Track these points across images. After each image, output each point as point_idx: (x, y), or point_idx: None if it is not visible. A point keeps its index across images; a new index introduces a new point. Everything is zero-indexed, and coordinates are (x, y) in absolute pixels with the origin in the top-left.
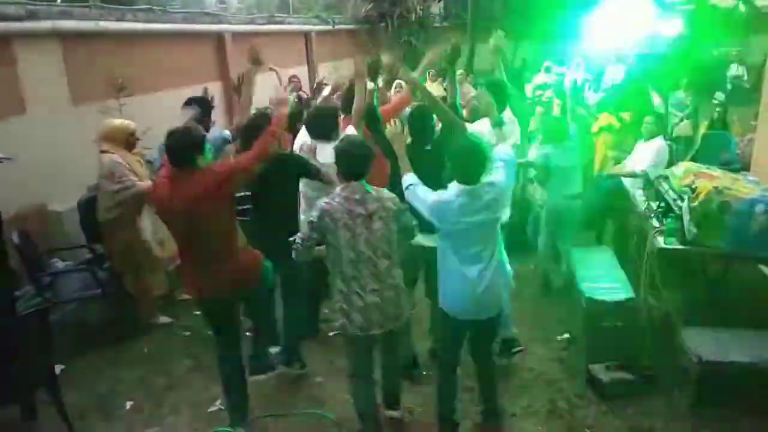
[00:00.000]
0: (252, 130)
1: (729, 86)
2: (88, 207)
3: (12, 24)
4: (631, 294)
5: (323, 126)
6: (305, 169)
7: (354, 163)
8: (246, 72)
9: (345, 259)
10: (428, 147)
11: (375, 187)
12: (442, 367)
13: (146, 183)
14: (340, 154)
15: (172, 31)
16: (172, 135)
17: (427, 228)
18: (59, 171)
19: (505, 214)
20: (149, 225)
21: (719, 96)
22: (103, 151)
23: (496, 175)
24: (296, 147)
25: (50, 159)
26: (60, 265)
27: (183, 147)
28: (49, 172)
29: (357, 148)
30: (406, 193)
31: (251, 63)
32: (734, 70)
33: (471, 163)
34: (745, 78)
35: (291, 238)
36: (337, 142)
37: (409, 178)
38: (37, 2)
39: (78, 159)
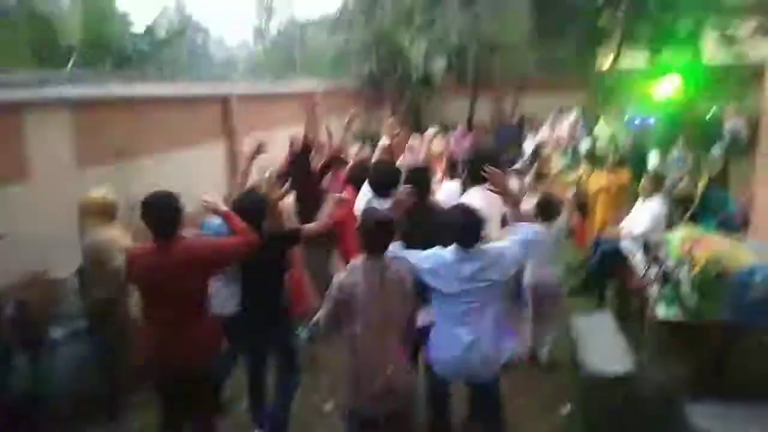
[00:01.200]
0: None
1: (727, 139)
2: (82, 276)
3: (21, 92)
4: (632, 365)
5: (386, 183)
6: (285, 242)
7: (374, 237)
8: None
9: (356, 332)
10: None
11: (394, 258)
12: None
13: None
14: (361, 227)
15: (180, 95)
16: (151, 203)
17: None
18: (62, 236)
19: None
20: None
21: (717, 149)
22: (85, 228)
23: (504, 243)
24: (360, 204)
25: (53, 224)
26: (58, 333)
27: (165, 215)
28: (52, 237)
29: (378, 220)
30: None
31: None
32: (731, 124)
33: (466, 227)
34: (743, 132)
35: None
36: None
37: (395, 248)
38: (47, 69)
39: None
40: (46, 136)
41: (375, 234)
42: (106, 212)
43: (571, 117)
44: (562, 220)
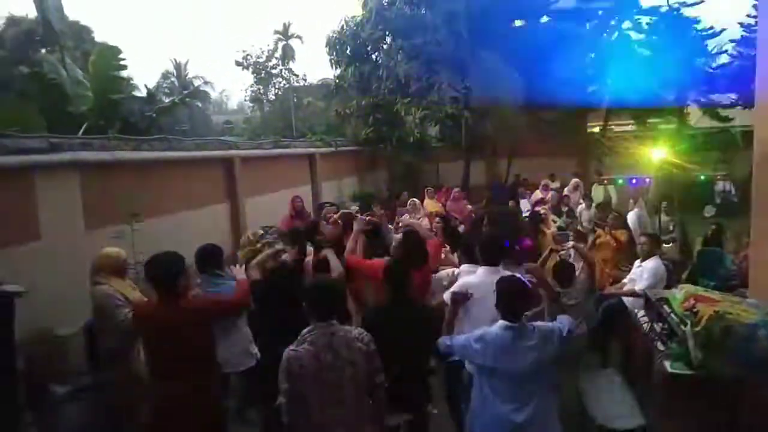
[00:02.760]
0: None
1: (718, 200)
2: (92, 333)
3: (34, 157)
4: (642, 421)
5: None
6: None
7: (322, 301)
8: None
9: (311, 413)
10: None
11: (344, 327)
12: None
13: None
14: (307, 292)
15: (185, 158)
16: (153, 262)
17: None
18: (69, 295)
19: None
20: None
21: (709, 210)
22: (95, 283)
23: (554, 324)
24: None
25: (61, 283)
26: (61, 390)
27: (166, 274)
28: (59, 296)
29: (325, 285)
30: (447, 351)
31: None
32: (721, 186)
33: (515, 299)
34: (733, 192)
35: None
36: None
37: (445, 340)
38: (59, 135)
39: (87, 282)
40: (56, 199)
41: (320, 299)
42: (117, 268)
43: (572, 180)
44: (582, 282)
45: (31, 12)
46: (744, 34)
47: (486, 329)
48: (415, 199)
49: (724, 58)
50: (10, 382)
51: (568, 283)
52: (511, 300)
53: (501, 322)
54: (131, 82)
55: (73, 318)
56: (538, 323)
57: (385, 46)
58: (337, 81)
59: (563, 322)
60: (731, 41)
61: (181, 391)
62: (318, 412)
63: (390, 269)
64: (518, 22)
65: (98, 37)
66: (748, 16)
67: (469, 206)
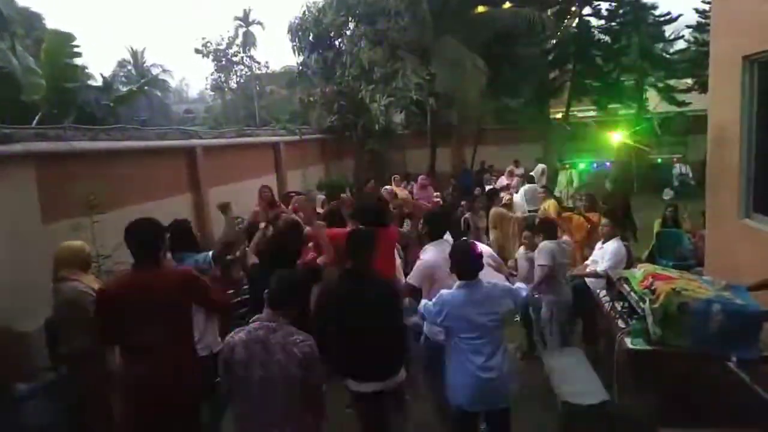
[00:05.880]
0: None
1: (676, 183)
2: (54, 328)
3: None
4: (606, 396)
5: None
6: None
7: (278, 290)
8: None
9: (236, 405)
10: None
11: (290, 328)
12: None
13: None
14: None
15: (145, 148)
16: (133, 227)
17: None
18: (28, 289)
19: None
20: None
21: (667, 193)
22: (61, 278)
23: (505, 284)
24: None
25: (18, 278)
26: (23, 388)
27: (146, 239)
28: (17, 290)
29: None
30: (422, 319)
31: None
32: (679, 169)
33: (467, 260)
34: (690, 175)
35: None
36: None
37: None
38: (10, 126)
39: (47, 276)
40: (9, 192)
41: (276, 285)
42: (82, 262)
43: (508, 168)
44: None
45: None
46: (700, 20)
47: (442, 291)
48: (388, 186)
49: (680, 44)
50: None
51: (552, 236)
52: (464, 260)
53: (457, 282)
54: (86, 70)
55: (34, 313)
56: (496, 281)
57: (348, 32)
58: (300, 68)
59: (522, 286)
60: (688, 27)
61: (156, 371)
62: (248, 408)
63: (353, 237)
64: (481, 8)
65: (50, 24)
66: (704, 2)
67: (436, 193)
